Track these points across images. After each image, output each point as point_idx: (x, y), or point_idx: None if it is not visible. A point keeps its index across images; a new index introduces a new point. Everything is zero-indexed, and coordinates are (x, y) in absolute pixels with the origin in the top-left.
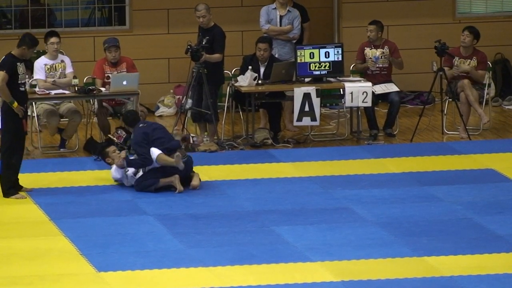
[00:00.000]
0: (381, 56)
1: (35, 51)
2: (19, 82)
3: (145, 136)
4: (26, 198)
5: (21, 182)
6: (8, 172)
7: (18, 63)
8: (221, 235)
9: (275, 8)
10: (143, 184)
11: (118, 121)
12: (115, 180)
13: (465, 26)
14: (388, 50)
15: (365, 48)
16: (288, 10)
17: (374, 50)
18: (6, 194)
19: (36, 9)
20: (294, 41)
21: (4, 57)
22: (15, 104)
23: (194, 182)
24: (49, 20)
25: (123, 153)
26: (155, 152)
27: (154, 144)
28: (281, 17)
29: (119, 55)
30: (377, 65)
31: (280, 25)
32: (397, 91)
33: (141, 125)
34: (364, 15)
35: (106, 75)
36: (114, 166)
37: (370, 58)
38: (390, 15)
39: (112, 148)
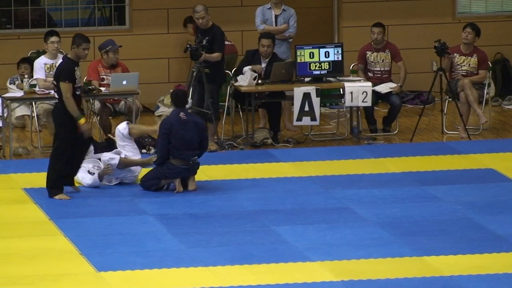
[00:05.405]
0: (383, 61)
1: (35, 50)
2: (75, 86)
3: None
4: (69, 199)
5: (21, 181)
6: (54, 173)
7: (76, 68)
8: (221, 235)
9: (270, 7)
10: (147, 184)
11: (118, 120)
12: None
13: (466, 23)
14: (389, 54)
15: (367, 52)
16: (283, 9)
17: (376, 53)
18: (50, 194)
19: (35, 9)
20: (291, 40)
21: (61, 62)
22: (82, 120)
23: (191, 187)
24: (48, 21)
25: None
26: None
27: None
28: (276, 16)
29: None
30: (379, 68)
31: (276, 25)
32: (398, 93)
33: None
34: (364, 15)
35: (101, 77)
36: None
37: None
38: (390, 15)
39: None
